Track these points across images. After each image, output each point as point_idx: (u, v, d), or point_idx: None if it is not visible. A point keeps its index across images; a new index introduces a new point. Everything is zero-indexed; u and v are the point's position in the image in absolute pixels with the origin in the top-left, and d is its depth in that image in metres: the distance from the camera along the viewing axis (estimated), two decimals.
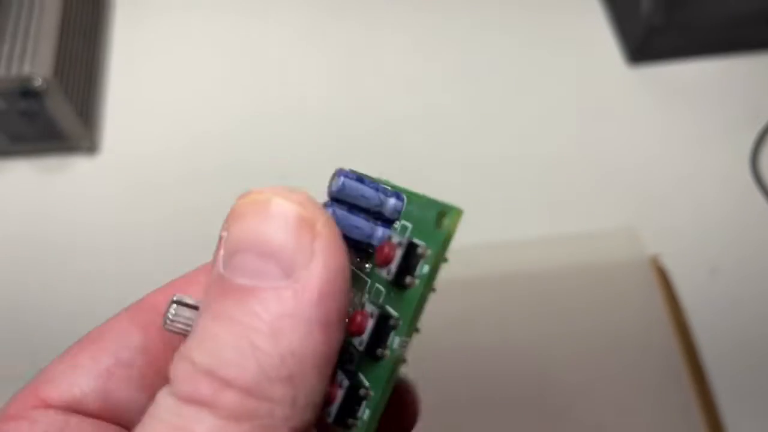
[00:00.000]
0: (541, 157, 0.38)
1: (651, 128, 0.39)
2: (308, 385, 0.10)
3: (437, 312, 0.14)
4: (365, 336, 0.11)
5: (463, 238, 0.15)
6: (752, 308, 0.34)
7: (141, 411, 0.11)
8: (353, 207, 0.12)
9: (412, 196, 0.12)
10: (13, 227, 0.36)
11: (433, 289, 0.11)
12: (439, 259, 0.11)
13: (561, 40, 0.42)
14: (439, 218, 0.11)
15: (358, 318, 0.11)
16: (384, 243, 0.11)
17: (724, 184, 0.37)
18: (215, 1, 0.43)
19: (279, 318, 0.10)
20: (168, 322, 0.12)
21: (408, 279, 0.11)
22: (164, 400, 0.10)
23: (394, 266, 0.11)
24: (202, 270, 0.14)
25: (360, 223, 0.12)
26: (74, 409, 0.13)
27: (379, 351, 0.11)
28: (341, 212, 0.12)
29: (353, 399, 0.11)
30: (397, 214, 0.12)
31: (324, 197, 0.12)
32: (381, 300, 0.12)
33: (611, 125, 0.39)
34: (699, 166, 0.38)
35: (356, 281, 0.12)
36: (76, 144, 0.37)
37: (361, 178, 0.12)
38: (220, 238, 0.11)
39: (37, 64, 0.32)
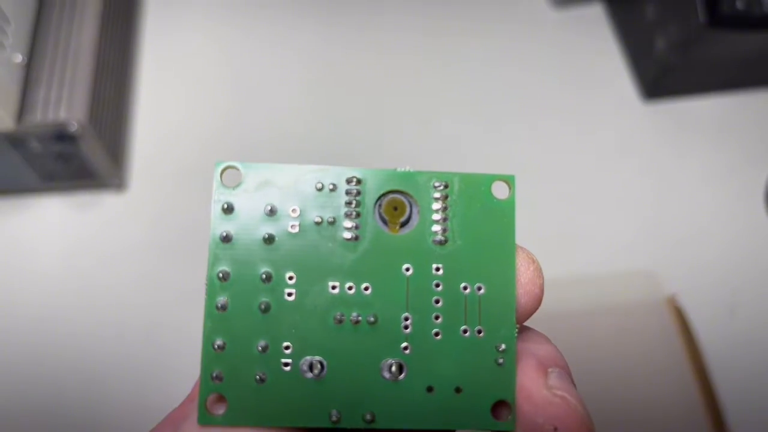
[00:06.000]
0: (555, 195, 0.39)
1: (666, 165, 0.40)
2: None
3: None
4: None
5: None
6: None
7: None
8: None
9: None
10: (45, 261, 0.37)
11: None
12: None
13: (576, 77, 0.43)
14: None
15: None
16: None
17: (739, 221, 0.38)
18: (243, 42, 0.44)
19: None
20: None
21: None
22: None
23: None
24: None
25: None
26: None
27: None
28: None
29: None
30: None
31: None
32: None
33: (627, 162, 0.40)
34: (714, 203, 0.39)
35: None
36: (106, 181, 0.38)
37: None
38: None
39: (72, 109, 0.33)
